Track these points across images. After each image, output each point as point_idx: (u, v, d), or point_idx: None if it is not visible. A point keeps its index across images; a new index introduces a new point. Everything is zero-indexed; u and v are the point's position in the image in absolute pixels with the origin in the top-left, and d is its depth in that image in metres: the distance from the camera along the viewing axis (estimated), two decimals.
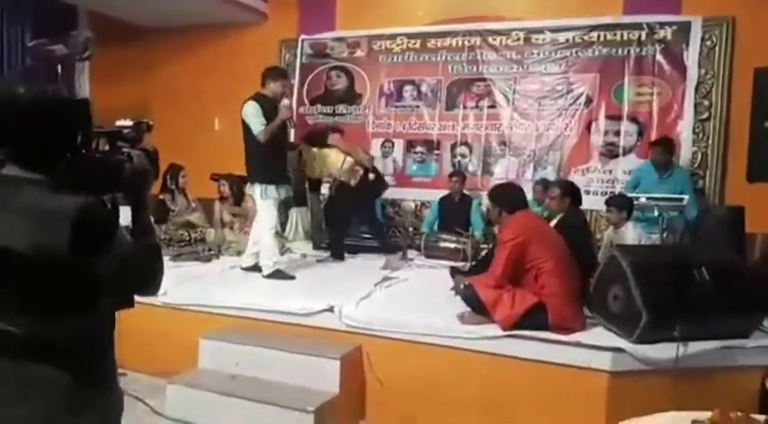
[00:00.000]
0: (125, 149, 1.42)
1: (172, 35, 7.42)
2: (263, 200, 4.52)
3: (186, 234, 5.40)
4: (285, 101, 4.56)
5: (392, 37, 6.69)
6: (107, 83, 7.20)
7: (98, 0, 6.70)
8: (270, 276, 4.47)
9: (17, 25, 6.82)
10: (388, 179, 6.73)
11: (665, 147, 5.28)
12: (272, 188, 4.52)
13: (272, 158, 4.54)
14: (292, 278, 4.50)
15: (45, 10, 6.81)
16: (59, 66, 5.18)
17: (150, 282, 1.40)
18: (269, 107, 4.46)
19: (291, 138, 6.66)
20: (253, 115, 4.42)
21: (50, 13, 6.83)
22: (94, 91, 7.16)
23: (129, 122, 1.50)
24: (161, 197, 5.47)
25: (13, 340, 1.27)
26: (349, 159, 5.44)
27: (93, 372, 1.37)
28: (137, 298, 1.46)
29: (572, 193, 4.49)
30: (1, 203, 1.27)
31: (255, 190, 4.54)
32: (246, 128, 4.47)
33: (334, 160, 5.45)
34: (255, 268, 4.67)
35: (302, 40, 7.06)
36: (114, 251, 1.29)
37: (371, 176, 5.54)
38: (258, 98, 4.50)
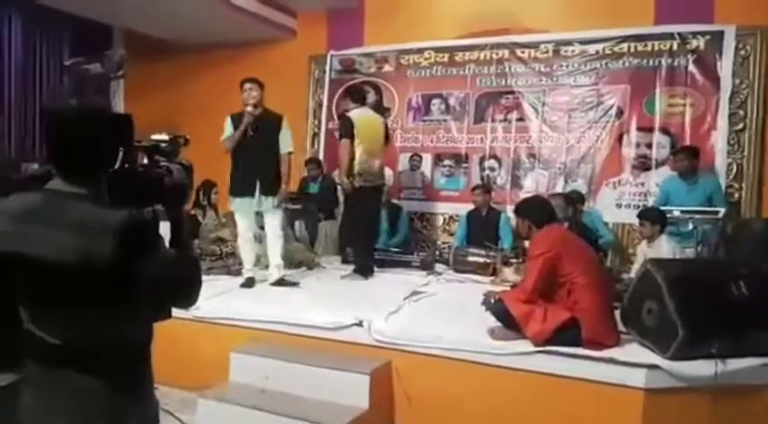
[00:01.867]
0: (163, 163, 1.45)
1: (204, 52, 7.57)
2: (235, 213, 4.76)
3: (217, 248, 5.47)
4: (248, 108, 4.58)
5: (420, 51, 6.73)
6: (140, 99, 7.37)
7: (133, 19, 6.88)
8: (243, 285, 4.67)
9: (55, 44, 7.06)
10: (415, 192, 6.75)
11: (687, 154, 5.20)
12: (237, 200, 4.68)
13: (239, 170, 4.65)
14: (251, 284, 4.66)
15: (81, 29, 7.03)
16: (95, 84, 5.31)
17: (189, 294, 1.42)
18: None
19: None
20: (224, 129, 4.66)
21: (87, 33, 7.05)
22: (128, 106, 7.33)
23: (164, 136, 1.53)
24: (192, 212, 5.55)
25: (52, 350, 1.30)
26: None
27: (131, 381, 1.39)
28: (173, 311, 1.48)
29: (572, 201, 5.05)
30: (47, 217, 1.30)
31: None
32: None
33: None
34: (282, 282, 4.74)
35: (331, 56, 7.14)
36: (156, 262, 1.32)
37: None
38: (235, 113, 4.69)
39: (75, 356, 1.31)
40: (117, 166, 1.39)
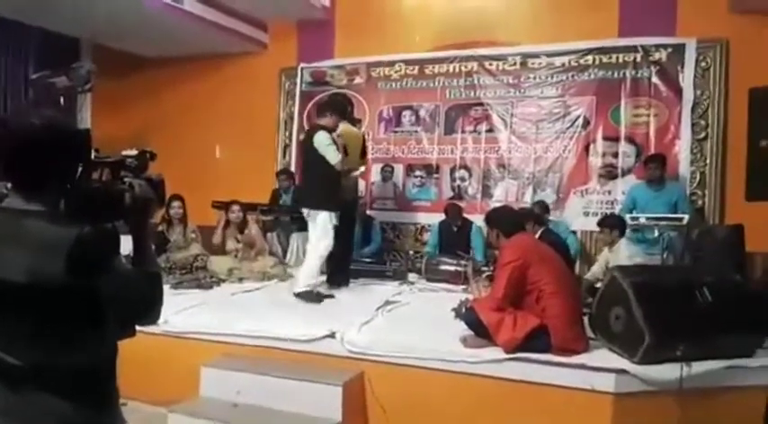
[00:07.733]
0: (127, 178, 1.43)
1: (173, 65, 7.52)
2: (327, 227, 4.57)
3: (187, 261, 5.40)
4: (340, 128, 4.74)
5: (390, 64, 6.79)
6: (108, 113, 7.28)
7: (100, 32, 6.80)
8: (299, 295, 4.55)
9: (20, 58, 6.93)
10: (387, 203, 6.78)
11: (658, 163, 5.34)
12: (335, 215, 4.61)
13: (339, 185, 4.69)
14: (319, 301, 4.54)
15: (48, 42, 6.92)
16: (61, 98, 5.24)
17: (149, 310, 1.39)
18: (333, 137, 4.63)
19: None
20: (327, 144, 4.55)
21: (53, 46, 6.94)
22: (96, 120, 7.23)
23: (134, 152, 1.52)
24: (159, 228, 5.47)
25: (15, 372, 1.28)
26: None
27: (96, 401, 1.37)
28: (138, 327, 1.46)
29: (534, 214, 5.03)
30: (3, 235, 1.28)
31: (321, 217, 4.58)
32: (313, 157, 4.60)
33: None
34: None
35: (302, 69, 7.16)
36: (113, 279, 1.30)
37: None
38: (324, 129, 4.67)
39: (39, 377, 1.28)
40: (75, 182, 1.37)
